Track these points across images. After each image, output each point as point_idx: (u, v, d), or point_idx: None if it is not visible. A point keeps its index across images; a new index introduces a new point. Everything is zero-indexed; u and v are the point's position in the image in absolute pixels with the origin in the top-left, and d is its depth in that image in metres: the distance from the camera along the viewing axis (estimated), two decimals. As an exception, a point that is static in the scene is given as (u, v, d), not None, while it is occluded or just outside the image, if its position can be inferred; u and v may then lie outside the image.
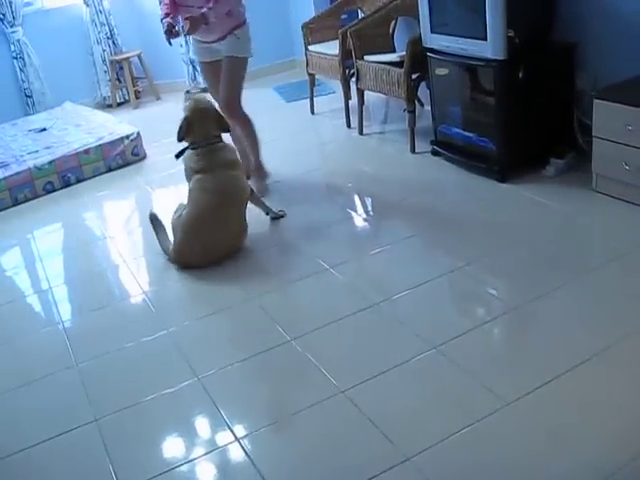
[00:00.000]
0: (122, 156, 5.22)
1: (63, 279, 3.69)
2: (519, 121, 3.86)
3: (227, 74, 4.06)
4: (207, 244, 3.43)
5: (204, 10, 3.75)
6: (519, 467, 2.06)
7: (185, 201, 3.58)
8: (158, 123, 6.29)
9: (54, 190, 4.92)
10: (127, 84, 6.98)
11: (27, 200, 4.81)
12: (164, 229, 3.67)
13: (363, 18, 5.07)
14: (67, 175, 4.96)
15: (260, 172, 4.37)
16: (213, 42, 4.01)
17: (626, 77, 3.53)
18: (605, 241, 3.25)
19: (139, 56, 6.90)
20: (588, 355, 2.45)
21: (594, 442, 2.10)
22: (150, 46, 6.86)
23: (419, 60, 4.30)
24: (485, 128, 4.00)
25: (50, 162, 4.92)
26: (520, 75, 3.74)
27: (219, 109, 3.81)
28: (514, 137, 3.89)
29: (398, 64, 4.45)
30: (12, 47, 6.51)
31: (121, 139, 5.23)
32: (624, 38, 3.65)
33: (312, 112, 5.83)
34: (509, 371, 2.47)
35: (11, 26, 6.44)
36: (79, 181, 4.98)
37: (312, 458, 2.22)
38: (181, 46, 6.99)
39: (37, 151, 5.12)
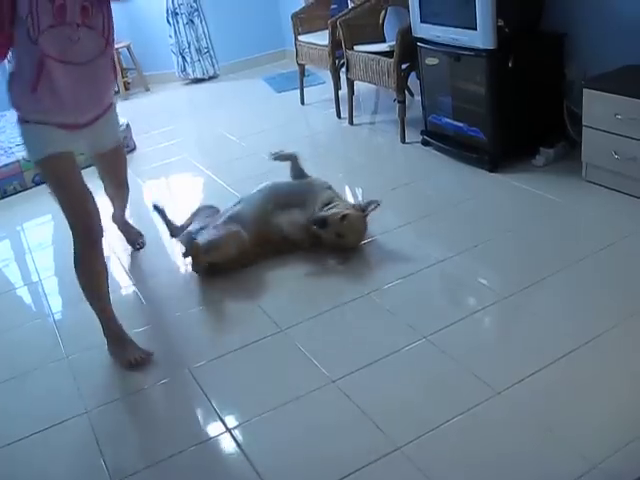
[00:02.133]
0: (112, 147, 5.19)
1: (53, 271, 3.68)
2: (509, 111, 3.86)
3: (124, 161, 3.26)
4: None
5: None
6: (509, 456, 2.07)
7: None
8: (148, 114, 6.28)
9: (43, 182, 4.88)
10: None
11: (16, 192, 4.79)
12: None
13: (353, 8, 5.05)
14: (56, 167, 4.93)
15: (127, 226, 3.69)
16: (83, 126, 2.69)
17: (615, 66, 3.53)
18: (594, 230, 3.26)
19: (128, 47, 6.85)
20: (577, 344, 2.47)
21: (583, 430, 2.11)
22: (139, 37, 6.83)
23: (409, 50, 4.30)
24: (475, 118, 4.01)
25: (39, 154, 4.89)
26: (510, 65, 3.74)
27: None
28: (504, 127, 3.90)
29: (388, 54, 4.44)
30: None
31: (110, 130, 5.19)
32: (613, 28, 3.65)
33: (302, 102, 5.82)
34: (499, 360, 2.48)
35: (-2, 17, 6.37)
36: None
37: (303, 448, 2.22)
38: (170, 37, 6.97)
39: (26, 143, 5.09)
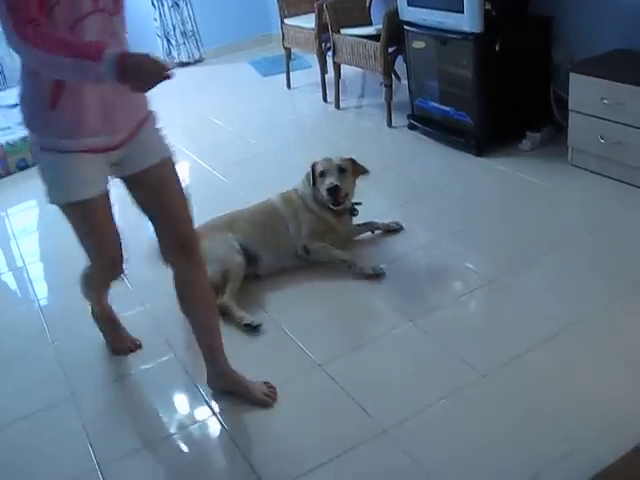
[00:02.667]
0: (96, 132, 5.14)
1: (38, 256, 3.66)
2: (496, 95, 3.86)
3: (177, 186, 2.16)
4: None
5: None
6: (493, 437, 2.08)
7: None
8: (133, 98, 6.22)
9: (27, 167, 4.85)
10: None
11: (0, 177, 4.74)
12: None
13: (340, -9, 5.02)
14: (41, 151, 4.88)
15: (240, 382, 2.38)
16: (117, 147, 2.01)
17: (603, 51, 3.53)
18: (580, 215, 3.28)
19: (112, 30, 6.77)
20: (562, 327, 2.48)
21: (567, 412, 2.12)
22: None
23: (396, 33, 4.28)
24: (462, 102, 4.00)
25: (23, 138, 4.83)
26: (497, 48, 3.73)
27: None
28: (491, 111, 3.90)
29: (375, 37, 4.42)
30: (-18, 21, 6.35)
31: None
32: (601, 12, 3.64)
33: (288, 86, 5.79)
34: (485, 343, 2.49)
35: (-20, -1, 6.29)
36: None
37: (290, 431, 2.23)
38: (155, 20, 6.90)
39: (9, 127, 5.03)
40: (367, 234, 3.33)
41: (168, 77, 1.70)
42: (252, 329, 2.73)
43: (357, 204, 3.24)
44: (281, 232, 3.12)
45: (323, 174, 3.10)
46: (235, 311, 2.79)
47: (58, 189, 2.00)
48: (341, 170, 3.10)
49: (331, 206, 3.10)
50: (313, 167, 3.17)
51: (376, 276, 2.95)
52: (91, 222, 2.10)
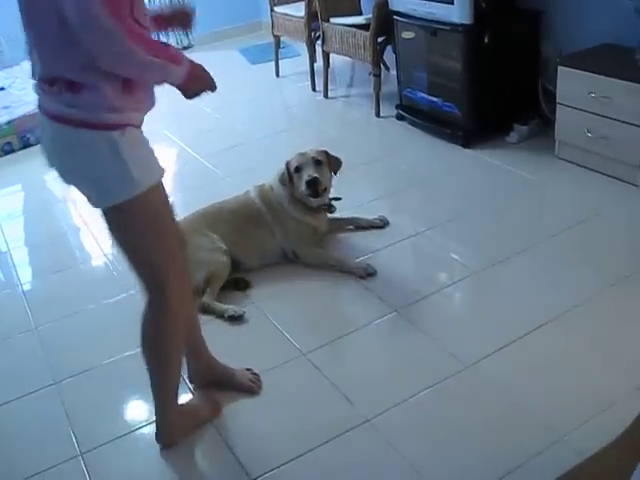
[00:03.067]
0: (83, 117, 5.09)
1: (23, 241, 3.64)
2: (484, 86, 3.86)
3: None
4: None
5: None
6: (476, 428, 2.09)
7: None
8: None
9: (13, 151, 4.81)
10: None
11: (-16, 162, 4.71)
12: None
13: (330, -21, 4.99)
14: (26, 136, 4.84)
15: (225, 370, 2.37)
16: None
17: (590, 45, 3.54)
18: (565, 207, 3.29)
19: (100, 14, 6.71)
20: (546, 319, 2.49)
21: (549, 404, 2.14)
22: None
23: (385, 23, 4.27)
24: (450, 93, 4.00)
25: (9, 122, 4.80)
26: (486, 40, 3.73)
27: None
28: (479, 102, 3.90)
29: (364, 27, 4.40)
30: (-32, 2, 6.27)
31: (82, 99, 5.08)
32: (589, 6, 3.65)
33: (277, 75, 5.76)
34: (469, 334, 2.50)
35: (-34, -20, 6.21)
36: (39, 142, 4.86)
37: (274, 420, 2.23)
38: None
39: (-5, 111, 5.00)
40: (350, 228, 3.31)
41: (213, 90, 1.87)
42: (236, 319, 2.72)
43: (336, 199, 3.18)
44: (265, 237, 3.04)
45: (299, 169, 3.01)
46: (216, 307, 2.76)
47: (142, 169, 1.72)
48: (317, 162, 3.02)
49: (310, 199, 3.02)
50: (287, 165, 3.07)
51: (368, 276, 2.91)
52: (167, 205, 1.86)
